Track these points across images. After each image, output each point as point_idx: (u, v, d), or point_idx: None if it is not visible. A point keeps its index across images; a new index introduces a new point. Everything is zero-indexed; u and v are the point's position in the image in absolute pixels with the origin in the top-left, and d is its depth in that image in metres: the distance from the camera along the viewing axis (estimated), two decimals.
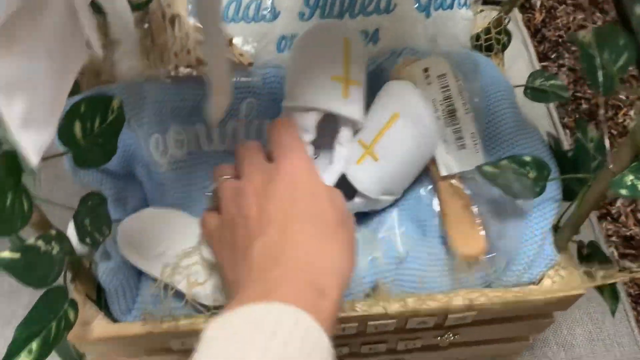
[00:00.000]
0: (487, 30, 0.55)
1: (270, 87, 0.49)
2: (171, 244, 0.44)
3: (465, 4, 0.53)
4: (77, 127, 0.37)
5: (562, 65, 1.33)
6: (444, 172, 0.46)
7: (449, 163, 0.45)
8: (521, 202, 0.45)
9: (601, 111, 0.39)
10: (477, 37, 0.56)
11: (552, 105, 0.76)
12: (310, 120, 0.43)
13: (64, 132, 0.37)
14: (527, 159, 0.42)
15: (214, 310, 0.42)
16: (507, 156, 0.43)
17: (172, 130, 0.46)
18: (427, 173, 0.47)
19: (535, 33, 1.37)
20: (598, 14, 1.38)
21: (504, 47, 0.56)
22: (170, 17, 0.50)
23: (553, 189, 0.46)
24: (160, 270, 0.42)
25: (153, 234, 0.44)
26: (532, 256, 0.45)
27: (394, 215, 0.46)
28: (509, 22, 0.55)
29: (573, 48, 1.34)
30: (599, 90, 0.39)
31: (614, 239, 1.10)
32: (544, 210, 0.45)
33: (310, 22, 0.51)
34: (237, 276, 0.36)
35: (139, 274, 0.45)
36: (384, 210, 0.47)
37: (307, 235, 0.36)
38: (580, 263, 0.46)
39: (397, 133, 0.44)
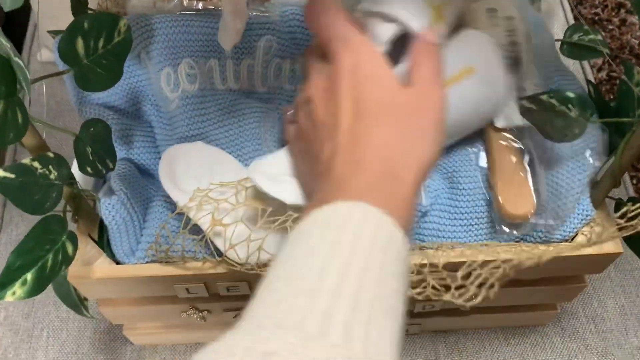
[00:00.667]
0: None
1: (290, 26, 0.46)
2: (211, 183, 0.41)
3: None
4: (80, 45, 0.34)
5: None
6: (501, 124, 0.42)
7: (508, 114, 0.42)
8: (558, 150, 0.41)
9: None
10: None
11: (590, 76, 0.72)
12: (387, 32, 0.37)
13: (65, 48, 0.34)
14: (571, 94, 0.38)
15: (228, 259, 0.40)
16: (548, 90, 0.39)
17: (184, 64, 0.44)
18: None
19: (571, 10, 1.32)
20: None
21: None
22: None
23: (593, 139, 0.42)
24: (188, 199, 0.39)
25: (197, 167, 0.42)
26: (568, 209, 0.41)
27: None
28: None
29: (610, 27, 1.29)
30: None
31: None
32: (583, 162, 0.41)
33: None
34: (315, 185, 0.33)
35: (144, 214, 0.43)
36: None
37: (378, 126, 0.32)
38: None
39: (467, 89, 0.40)
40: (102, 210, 0.40)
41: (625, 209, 0.39)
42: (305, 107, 0.36)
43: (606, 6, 1.31)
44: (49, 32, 0.51)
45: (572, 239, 0.42)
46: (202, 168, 0.41)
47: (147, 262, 0.41)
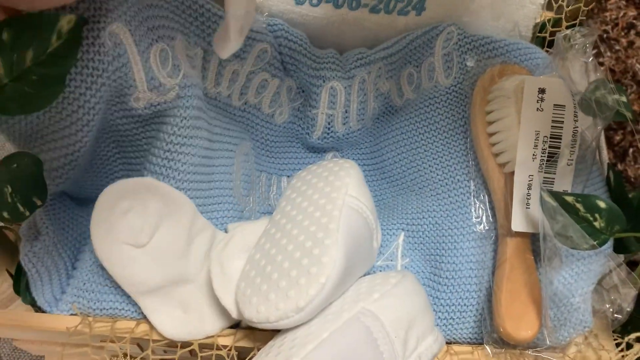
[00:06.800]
0: (557, 21, 0.45)
1: (279, 42, 0.39)
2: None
3: None
4: None
5: (601, 64, 1.22)
6: (518, 227, 0.36)
7: (530, 217, 0.36)
8: (565, 251, 0.36)
9: None
10: (543, 26, 0.45)
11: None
12: None
13: None
14: (602, 204, 0.32)
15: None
16: (577, 193, 0.33)
17: (180, 42, 0.34)
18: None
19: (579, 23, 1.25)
20: None
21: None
22: None
23: None
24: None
25: (140, 214, 0.33)
26: (564, 317, 0.36)
27: (400, 241, 0.37)
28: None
29: (617, 47, 1.23)
30: None
31: None
32: (590, 267, 0.36)
33: None
34: None
35: (75, 257, 0.36)
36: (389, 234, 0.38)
37: None
38: (614, 332, 0.38)
39: None
40: (21, 256, 0.33)
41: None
42: None
43: (617, 24, 1.25)
44: None
45: (565, 347, 0.37)
46: (146, 215, 0.34)
47: (71, 314, 0.35)
